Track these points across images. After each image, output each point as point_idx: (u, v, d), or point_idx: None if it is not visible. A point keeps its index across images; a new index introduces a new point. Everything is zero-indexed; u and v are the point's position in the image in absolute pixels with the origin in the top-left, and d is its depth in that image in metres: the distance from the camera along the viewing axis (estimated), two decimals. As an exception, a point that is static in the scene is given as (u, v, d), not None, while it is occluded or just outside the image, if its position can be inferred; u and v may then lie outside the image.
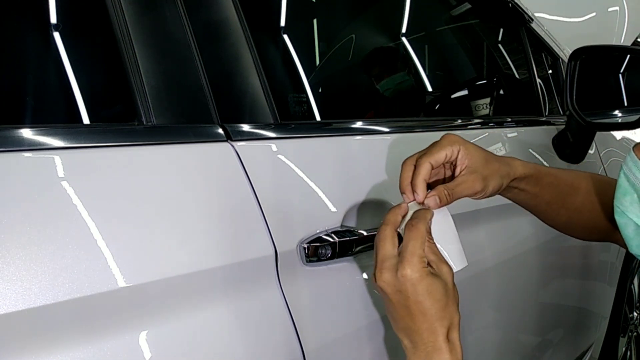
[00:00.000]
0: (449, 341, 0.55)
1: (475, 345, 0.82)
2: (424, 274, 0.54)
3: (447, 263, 0.58)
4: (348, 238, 0.71)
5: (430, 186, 0.62)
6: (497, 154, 0.68)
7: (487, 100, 1.29)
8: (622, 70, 1.31)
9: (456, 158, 0.62)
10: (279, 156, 0.69)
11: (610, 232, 0.76)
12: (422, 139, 0.91)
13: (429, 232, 0.59)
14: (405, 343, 0.58)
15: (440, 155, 0.61)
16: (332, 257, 0.70)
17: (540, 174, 0.70)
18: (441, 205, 0.60)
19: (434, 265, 0.57)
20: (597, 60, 1.28)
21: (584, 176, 0.77)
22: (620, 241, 0.73)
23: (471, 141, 0.63)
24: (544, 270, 1.20)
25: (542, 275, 1.18)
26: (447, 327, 0.55)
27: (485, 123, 1.15)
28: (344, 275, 0.73)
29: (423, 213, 0.59)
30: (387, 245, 0.58)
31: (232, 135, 0.66)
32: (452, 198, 0.60)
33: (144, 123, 0.61)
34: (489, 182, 0.63)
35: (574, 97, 1.18)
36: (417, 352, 0.56)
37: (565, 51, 1.49)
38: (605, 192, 0.76)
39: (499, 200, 0.72)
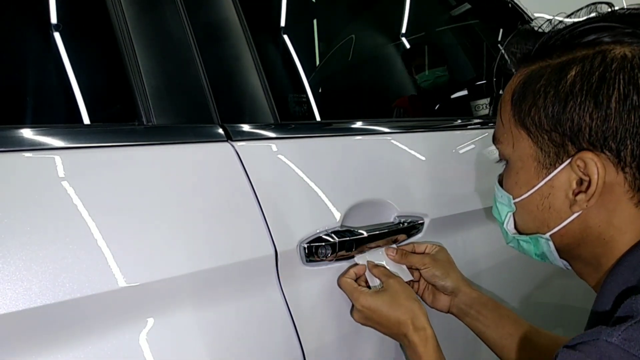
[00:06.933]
0: (416, 328, 0.68)
1: (475, 345, 0.83)
2: (367, 297, 0.69)
3: (394, 276, 0.74)
4: (348, 238, 0.71)
5: None
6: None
7: (487, 100, 1.29)
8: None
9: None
10: (279, 156, 0.69)
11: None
12: (422, 139, 0.92)
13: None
14: (402, 343, 0.71)
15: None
16: (332, 257, 0.70)
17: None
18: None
19: (384, 281, 0.73)
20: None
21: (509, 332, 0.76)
22: None
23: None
24: (543, 269, 1.20)
25: (541, 274, 1.18)
26: (410, 319, 0.68)
27: (485, 123, 1.15)
28: (344, 275, 0.73)
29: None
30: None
31: (232, 135, 0.66)
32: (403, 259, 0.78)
33: (144, 123, 0.61)
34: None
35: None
36: (408, 345, 0.69)
37: (565, 51, 1.49)
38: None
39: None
